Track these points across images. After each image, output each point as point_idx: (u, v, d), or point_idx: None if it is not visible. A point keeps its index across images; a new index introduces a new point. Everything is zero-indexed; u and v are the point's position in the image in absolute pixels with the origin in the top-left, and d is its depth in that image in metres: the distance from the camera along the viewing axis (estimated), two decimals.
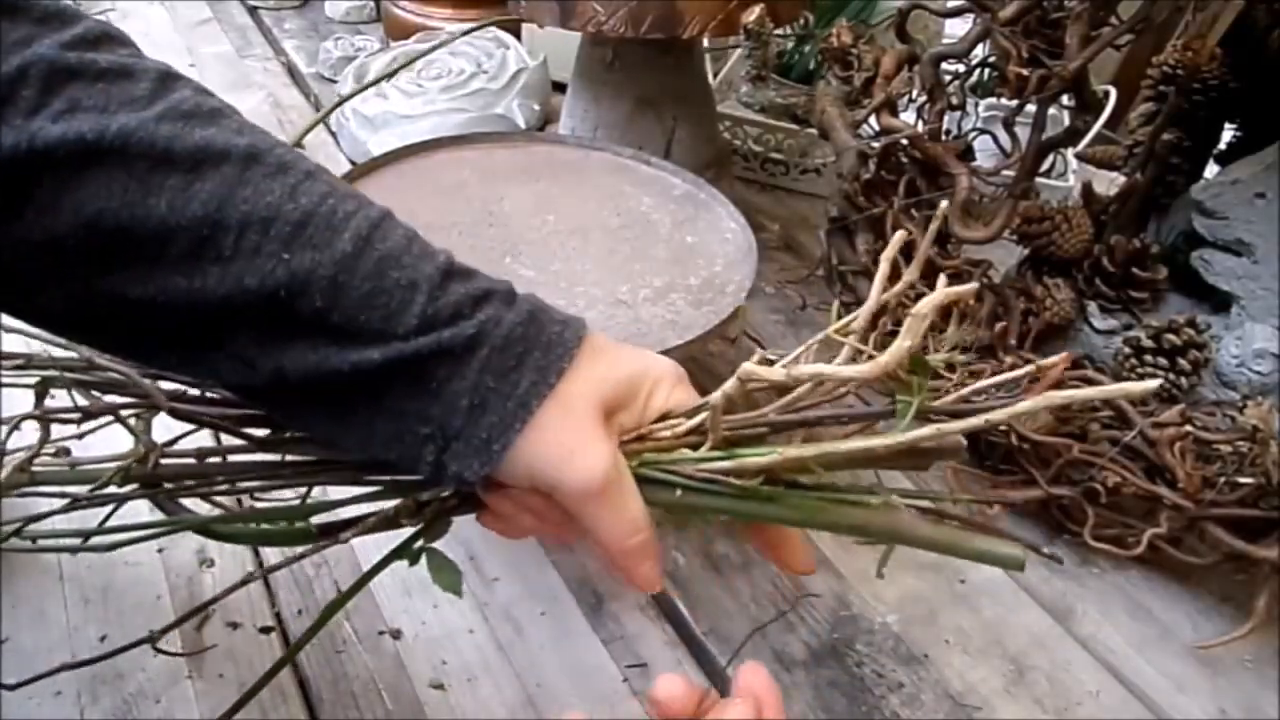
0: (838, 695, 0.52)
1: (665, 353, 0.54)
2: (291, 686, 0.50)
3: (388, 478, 0.39)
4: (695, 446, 0.36)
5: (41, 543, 0.40)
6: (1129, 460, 0.56)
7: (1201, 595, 0.59)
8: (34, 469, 0.38)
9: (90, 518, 0.39)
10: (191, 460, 0.39)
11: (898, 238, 0.35)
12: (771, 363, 0.35)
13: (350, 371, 0.33)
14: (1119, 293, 0.65)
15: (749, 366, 0.33)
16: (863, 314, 0.35)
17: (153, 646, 0.40)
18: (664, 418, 0.37)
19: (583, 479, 0.34)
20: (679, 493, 0.36)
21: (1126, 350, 0.61)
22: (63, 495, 0.39)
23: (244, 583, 0.38)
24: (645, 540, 0.36)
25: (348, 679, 0.51)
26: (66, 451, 0.40)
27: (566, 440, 0.34)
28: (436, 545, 0.40)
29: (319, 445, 0.39)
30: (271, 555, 0.56)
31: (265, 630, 0.53)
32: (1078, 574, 0.60)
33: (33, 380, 0.40)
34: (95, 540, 0.40)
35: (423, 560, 0.39)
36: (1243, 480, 0.53)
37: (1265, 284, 0.60)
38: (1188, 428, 0.56)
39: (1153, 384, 0.29)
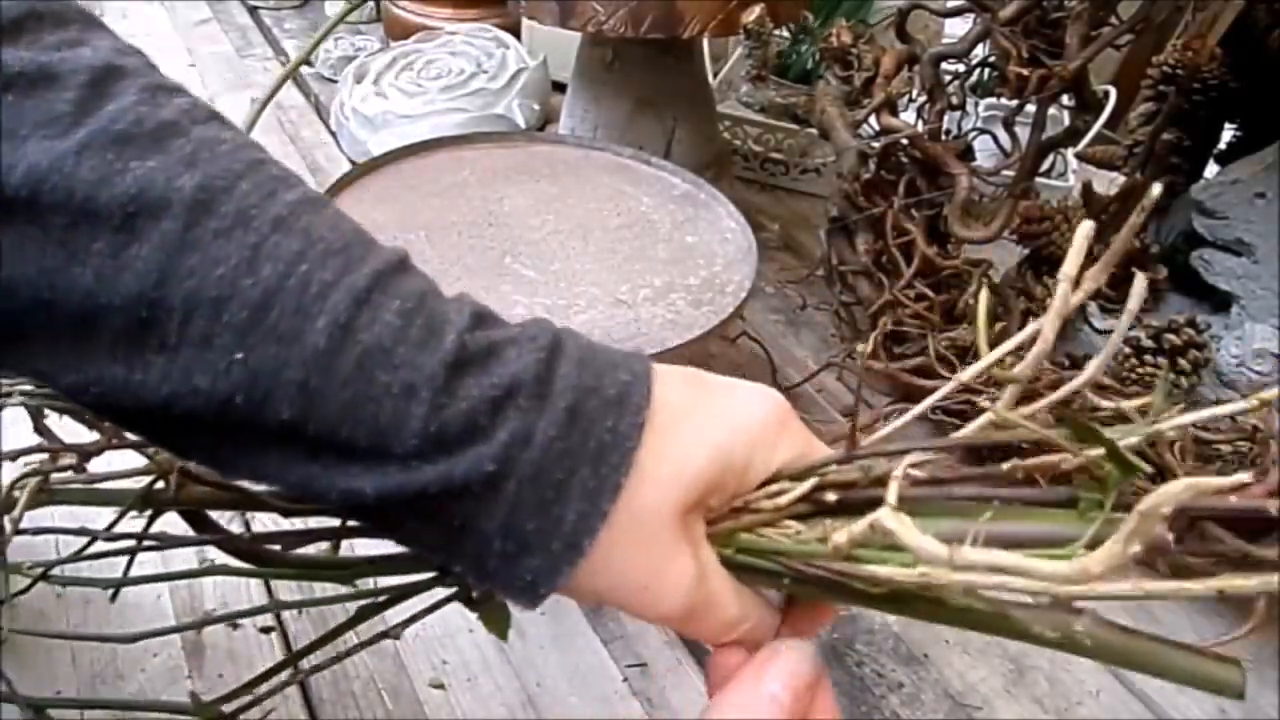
0: (838, 695, 0.52)
1: (665, 353, 0.54)
2: (292, 686, 0.50)
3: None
4: (804, 517, 0.29)
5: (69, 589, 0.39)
6: None
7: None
8: (52, 487, 0.36)
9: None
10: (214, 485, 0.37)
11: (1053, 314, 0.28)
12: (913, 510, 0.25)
13: (340, 499, 0.26)
14: (1119, 292, 0.65)
15: (889, 523, 0.24)
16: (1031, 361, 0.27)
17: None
18: (769, 480, 0.29)
19: (660, 613, 0.28)
20: (786, 582, 0.29)
21: (1127, 350, 0.60)
22: (81, 532, 0.37)
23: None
24: (750, 629, 0.30)
25: (348, 679, 0.51)
26: (83, 465, 0.38)
27: (634, 571, 0.27)
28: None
29: None
30: None
31: (265, 630, 0.53)
32: None
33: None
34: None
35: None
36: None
37: (1265, 284, 0.60)
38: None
39: None
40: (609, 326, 0.56)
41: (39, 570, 0.38)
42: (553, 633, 0.54)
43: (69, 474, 0.37)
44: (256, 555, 0.38)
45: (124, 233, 0.24)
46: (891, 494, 0.25)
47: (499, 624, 0.37)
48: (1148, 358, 0.59)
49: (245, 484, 0.36)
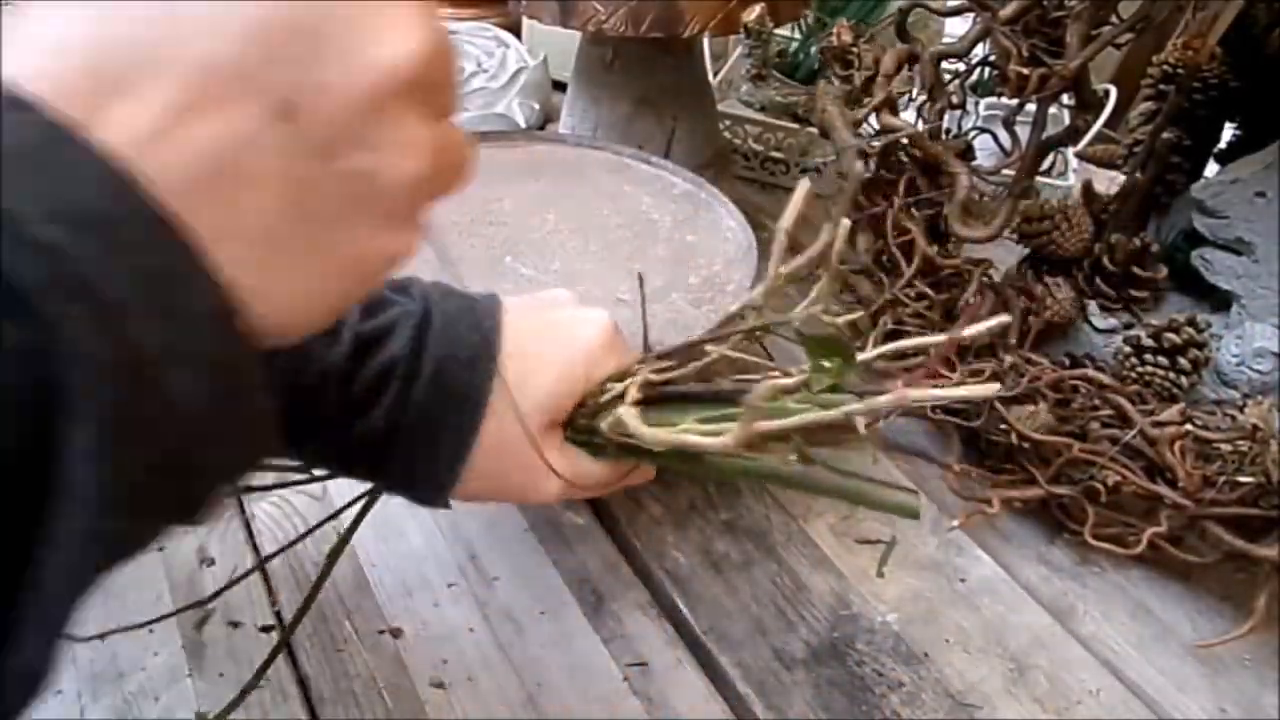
0: (838, 694, 0.52)
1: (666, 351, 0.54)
2: (292, 685, 0.50)
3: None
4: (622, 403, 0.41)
5: None
6: (1129, 459, 0.56)
7: (1201, 594, 0.59)
8: None
9: None
10: None
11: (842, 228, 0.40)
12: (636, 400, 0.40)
13: (312, 458, 0.42)
14: (1119, 292, 0.65)
15: (622, 415, 0.38)
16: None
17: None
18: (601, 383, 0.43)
19: (546, 494, 0.41)
20: (609, 450, 0.42)
21: (1127, 349, 0.60)
22: None
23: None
24: (614, 483, 0.44)
25: (348, 678, 0.51)
26: None
27: (513, 474, 0.39)
28: None
29: None
30: (269, 544, 0.56)
31: (266, 629, 0.53)
32: (1078, 573, 0.60)
33: None
34: None
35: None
36: (1243, 479, 0.53)
37: (1265, 283, 0.60)
38: (1188, 427, 0.56)
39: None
40: None
41: None
42: (553, 632, 0.54)
43: None
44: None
45: None
46: (629, 398, 0.39)
47: None
48: (1148, 357, 0.59)
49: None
